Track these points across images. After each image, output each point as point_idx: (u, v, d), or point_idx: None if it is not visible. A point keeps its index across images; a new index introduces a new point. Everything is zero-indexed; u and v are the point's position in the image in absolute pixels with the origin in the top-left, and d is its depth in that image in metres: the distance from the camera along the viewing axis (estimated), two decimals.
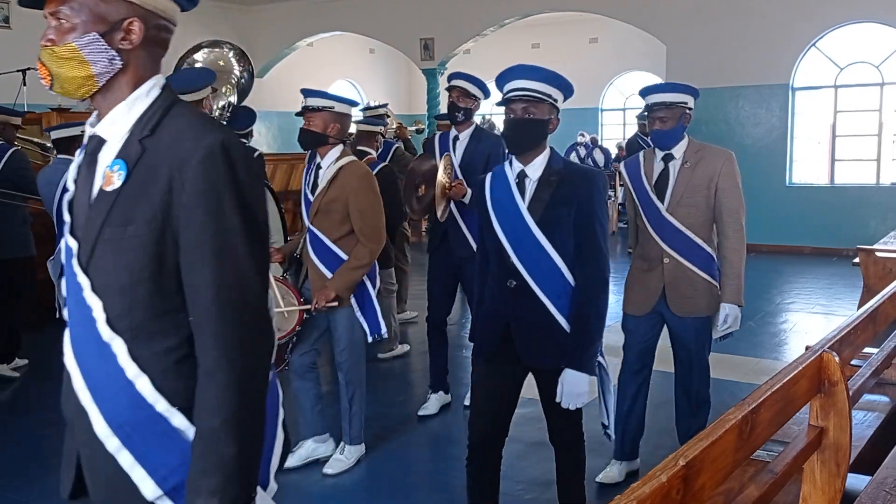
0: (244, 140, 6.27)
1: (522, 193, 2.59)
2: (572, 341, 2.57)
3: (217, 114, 5.97)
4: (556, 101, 2.57)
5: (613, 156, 13.91)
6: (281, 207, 5.21)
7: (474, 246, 4.03)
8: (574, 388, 2.56)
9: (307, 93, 3.68)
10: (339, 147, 3.64)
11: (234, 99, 6.27)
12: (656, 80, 14.89)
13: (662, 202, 3.33)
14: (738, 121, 10.23)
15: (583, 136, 14.25)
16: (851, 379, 2.32)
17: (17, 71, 7.21)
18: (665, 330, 3.54)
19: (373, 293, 3.73)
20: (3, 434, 4.38)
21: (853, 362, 2.67)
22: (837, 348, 1.97)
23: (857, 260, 4.75)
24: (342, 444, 3.87)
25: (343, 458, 3.84)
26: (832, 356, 1.82)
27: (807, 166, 11.16)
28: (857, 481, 2.07)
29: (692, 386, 3.51)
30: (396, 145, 6.66)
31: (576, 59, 15.79)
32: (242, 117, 6.15)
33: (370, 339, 3.72)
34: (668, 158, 3.37)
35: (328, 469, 3.79)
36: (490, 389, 2.72)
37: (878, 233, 6.85)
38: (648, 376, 3.62)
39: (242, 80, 6.40)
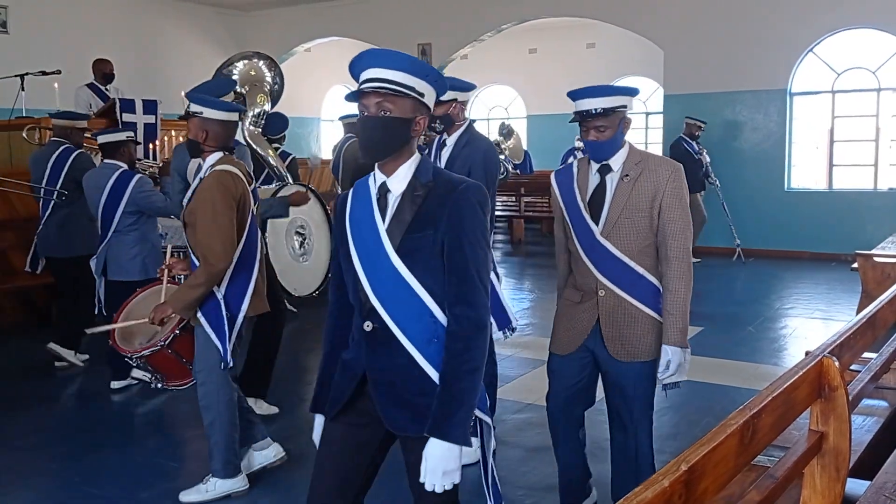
0: (278, 144, 6.65)
1: (384, 212, 2.05)
2: (438, 404, 1.98)
3: (252, 121, 6.18)
4: (422, 95, 2.01)
5: None
6: (326, 206, 5.35)
7: None
8: (440, 463, 1.95)
9: (187, 96, 3.53)
10: (217, 155, 3.38)
11: (268, 107, 6.49)
12: (654, 85, 14.95)
13: (597, 223, 2.82)
14: (736, 126, 10.25)
15: (580, 140, 14.29)
16: (851, 384, 2.33)
17: (16, 76, 7.21)
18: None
19: (234, 314, 3.39)
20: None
21: (852, 367, 2.68)
22: (837, 353, 1.97)
23: (855, 265, 4.77)
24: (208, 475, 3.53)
25: (203, 487, 3.48)
26: (832, 361, 1.83)
27: (805, 171, 11.18)
28: (856, 486, 2.08)
29: (630, 453, 2.97)
30: None
31: (573, 64, 15.82)
32: (275, 123, 6.51)
33: (224, 364, 3.38)
34: (604, 171, 2.84)
35: (183, 496, 3.48)
36: (339, 454, 2.15)
37: (876, 238, 6.86)
38: (581, 421, 3.15)
39: (275, 87, 6.59)
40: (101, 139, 5.13)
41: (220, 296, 3.35)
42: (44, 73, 7.19)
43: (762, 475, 1.77)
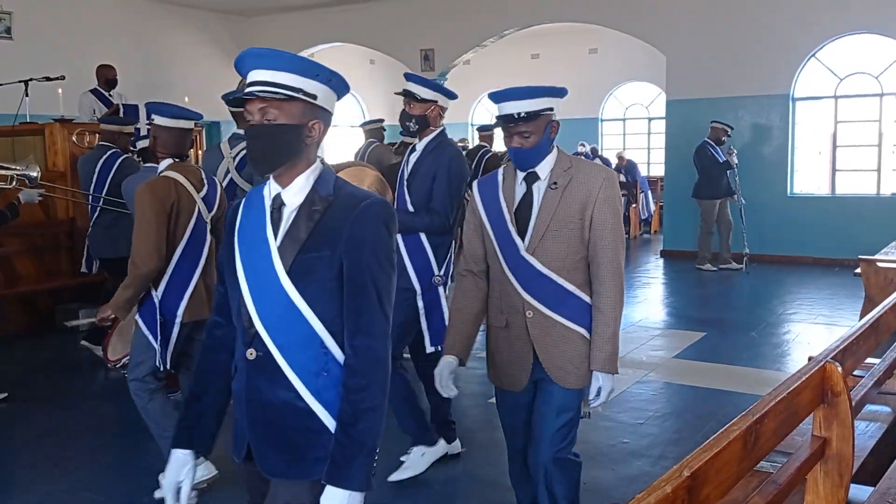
0: None
1: (277, 227, 1.82)
2: (336, 447, 1.76)
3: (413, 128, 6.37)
4: (314, 98, 1.81)
5: (614, 165, 14.00)
6: None
7: (415, 283, 3.63)
8: None
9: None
10: (167, 161, 3.46)
11: None
12: (656, 90, 14.98)
13: (524, 237, 2.58)
14: (739, 131, 10.25)
15: (583, 146, 14.30)
16: (854, 389, 2.32)
17: (20, 81, 7.23)
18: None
19: (168, 318, 3.43)
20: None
21: (855, 373, 2.67)
22: (840, 359, 1.97)
23: (858, 270, 4.76)
24: None
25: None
26: (835, 367, 1.83)
27: (808, 176, 11.17)
28: (859, 492, 2.07)
29: (557, 490, 2.66)
30: None
31: (576, 69, 15.85)
32: None
33: (161, 365, 3.45)
34: (531, 179, 2.60)
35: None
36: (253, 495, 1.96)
37: (879, 243, 6.84)
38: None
39: None
40: (141, 144, 5.41)
41: (156, 299, 3.42)
42: (48, 79, 7.21)
43: (765, 481, 1.77)
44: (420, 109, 3.65)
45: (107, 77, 8.22)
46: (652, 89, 15.46)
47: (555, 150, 2.62)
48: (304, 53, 13.60)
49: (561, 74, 16.19)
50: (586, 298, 2.60)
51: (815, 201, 10.39)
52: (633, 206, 13.38)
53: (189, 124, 3.51)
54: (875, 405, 2.84)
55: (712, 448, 1.35)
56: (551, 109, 2.55)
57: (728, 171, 9.41)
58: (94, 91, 8.20)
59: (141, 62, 11.43)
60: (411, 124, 3.67)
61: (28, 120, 7.10)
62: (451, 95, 3.82)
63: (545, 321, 2.58)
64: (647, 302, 8.23)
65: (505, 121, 2.54)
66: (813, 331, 6.70)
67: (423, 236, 3.62)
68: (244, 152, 4.37)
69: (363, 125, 7.80)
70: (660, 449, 4.10)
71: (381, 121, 8.10)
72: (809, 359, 2.09)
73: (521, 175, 2.62)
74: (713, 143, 9.45)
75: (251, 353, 1.82)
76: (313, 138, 1.82)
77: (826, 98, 10.59)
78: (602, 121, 16.61)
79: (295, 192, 1.83)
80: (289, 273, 1.79)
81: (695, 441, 4.05)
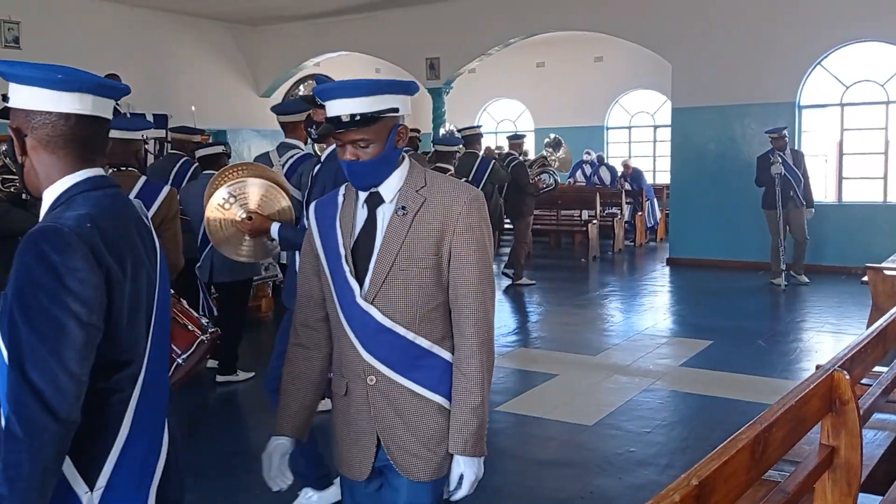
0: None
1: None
2: None
3: (315, 136, 6.61)
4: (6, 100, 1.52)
5: (619, 173, 14.03)
6: None
7: None
8: None
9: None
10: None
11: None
12: (662, 98, 14.97)
13: (362, 280, 1.95)
14: (745, 139, 10.23)
15: (589, 153, 14.33)
16: (862, 398, 2.31)
17: None
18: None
19: None
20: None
21: (863, 381, 2.66)
22: (848, 367, 1.97)
23: (866, 278, 4.74)
24: None
25: None
26: (843, 375, 1.82)
27: (815, 184, 11.13)
28: (868, 501, 2.06)
29: None
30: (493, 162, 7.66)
31: (581, 77, 15.87)
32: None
33: None
34: (374, 201, 1.98)
35: None
36: None
37: (886, 251, 6.83)
38: None
39: None
40: (200, 153, 5.70)
41: None
42: None
43: (773, 490, 1.76)
44: (322, 115, 3.46)
45: None
46: (657, 97, 15.46)
47: (405, 164, 2.00)
48: (311, 62, 13.68)
49: (566, 83, 16.24)
50: (448, 357, 1.97)
51: (822, 209, 10.36)
52: (639, 214, 13.38)
53: (134, 135, 3.71)
54: (883, 414, 2.83)
55: (720, 457, 1.34)
56: (396, 110, 1.92)
57: (777, 180, 8.73)
58: None
59: (148, 71, 11.49)
60: (312, 130, 3.40)
61: None
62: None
63: (392, 389, 1.95)
64: (654, 310, 8.21)
65: (334, 125, 1.91)
66: (820, 339, 6.67)
67: None
68: (292, 160, 4.50)
69: None
70: (667, 458, 4.08)
71: (417, 130, 8.24)
72: (817, 367, 2.08)
73: (362, 196, 1.99)
74: (775, 152, 8.81)
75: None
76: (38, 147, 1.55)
77: (832, 106, 10.58)
78: (608, 128, 16.61)
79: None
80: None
81: (702, 450, 4.03)
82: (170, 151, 6.30)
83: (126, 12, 11.53)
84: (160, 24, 12.13)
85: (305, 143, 4.71)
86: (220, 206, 3.33)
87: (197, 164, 6.03)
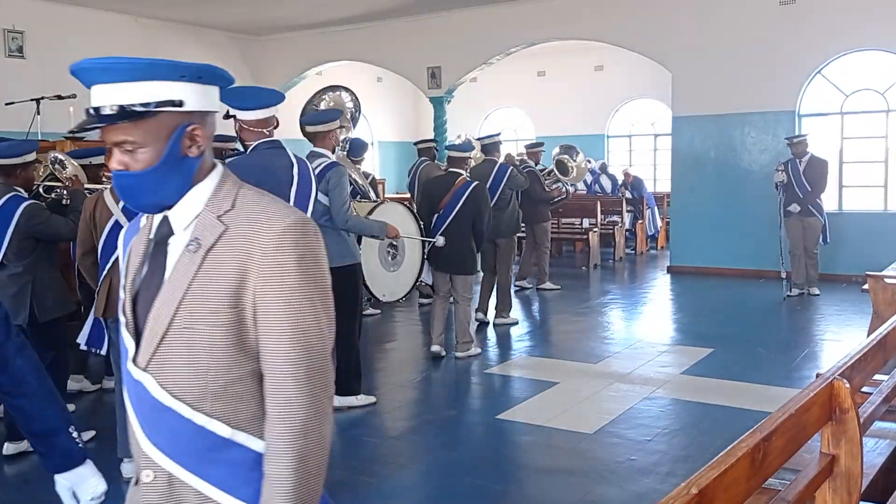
0: (359, 165, 7.91)
1: None
2: None
3: (341, 146, 7.12)
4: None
5: (620, 182, 14.05)
6: (418, 220, 6.32)
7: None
8: None
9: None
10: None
11: (351, 134, 7.60)
12: (662, 107, 14.99)
13: (138, 341, 1.45)
14: (745, 147, 10.26)
15: (590, 162, 14.35)
16: (862, 406, 2.32)
17: (31, 100, 7.31)
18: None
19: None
20: None
21: (864, 389, 2.67)
22: (848, 375, 1.98)
23: (866, 286, 4.75)
24: None
25: None
26: (843, 383, 1.83)
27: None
28: None
29: None
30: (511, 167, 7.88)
31: (582, 86, 15.91)
32: (359, 147, 7.74)
33: None
34: (163, 231, 1.47)
35: None
36: None
37: (886, 259, 6.83)
38: None
39: (356, 115, 7.64)
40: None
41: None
42: (59, 98, 7.28)
43: (774, 499, 1.77)
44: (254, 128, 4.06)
45: None
46: (658, 106, 15.48)
47: (212, 180, 1.46)
48: (313, 71, 13.74)
49: (567, 92, 16.28)
50: (260, 448, 1.42)
51: None
52: (640, 222, 13.40)
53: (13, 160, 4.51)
54: (883, 422, 2.84)
55: (720, 465, 1.35)
56: (179, 104, 1.39)
57: (780, 189, 8.70)
58: None
59: None
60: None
61: (40, 138, 7.17)
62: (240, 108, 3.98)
63: (176, 491, 1.42)
64: (655, 318, 8.22)
65: (93, 119, 1.40)
66: (821, 347, 6.68)
67: None
68: (320, 167, 4.79)
69: (416, 143, 9.15)
70: (668, 466, 4.08)
71: (434, 140, 8.46)
72: (817, 375, 2.09)
73: (156, 222, 1.49)
74: (795, 157, 8.80)
75: None
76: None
77: (832, 114, 10.60)
78: (609, 137, 16.64)
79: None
80: None
81: (703, 458, 4.04)
82: None
83: (130, 21, 11.59)
84: (165, 34, 12.19)
85: (332, 152, 5.08)
86: None
87: None
